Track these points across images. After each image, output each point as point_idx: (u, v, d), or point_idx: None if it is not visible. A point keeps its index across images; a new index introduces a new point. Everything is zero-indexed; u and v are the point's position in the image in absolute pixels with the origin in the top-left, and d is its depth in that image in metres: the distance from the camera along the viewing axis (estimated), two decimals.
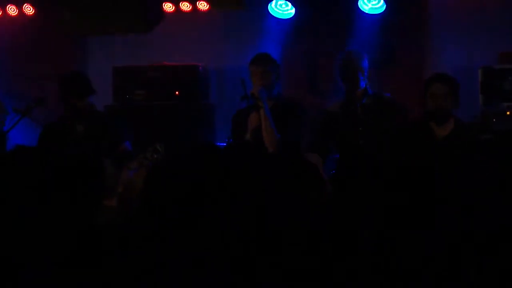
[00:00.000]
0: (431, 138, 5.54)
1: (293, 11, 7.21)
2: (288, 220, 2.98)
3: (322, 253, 2.89)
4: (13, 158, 2.95)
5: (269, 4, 7.22)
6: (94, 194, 2.94)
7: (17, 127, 6.37)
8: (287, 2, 7.21)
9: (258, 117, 5.86)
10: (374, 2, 7.06)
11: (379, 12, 7.08)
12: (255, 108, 5.88)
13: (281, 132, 5.86)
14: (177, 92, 7.28)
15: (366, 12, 7.10)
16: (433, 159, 5.38)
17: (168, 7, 7.47)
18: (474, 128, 6.12)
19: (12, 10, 7.73)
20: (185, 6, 7.48)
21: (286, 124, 5.90)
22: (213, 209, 2.94)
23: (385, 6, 7.03)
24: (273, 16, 7.26)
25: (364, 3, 7.09)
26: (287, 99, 6.18)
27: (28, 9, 7.71)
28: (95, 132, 6.07)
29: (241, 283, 2.79)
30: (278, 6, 7.25)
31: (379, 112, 5.93)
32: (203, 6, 7.44)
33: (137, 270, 2.83)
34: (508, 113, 6.61)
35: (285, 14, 7.24)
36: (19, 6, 7.72)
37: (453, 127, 5.55)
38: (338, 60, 6.09)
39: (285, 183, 3.12)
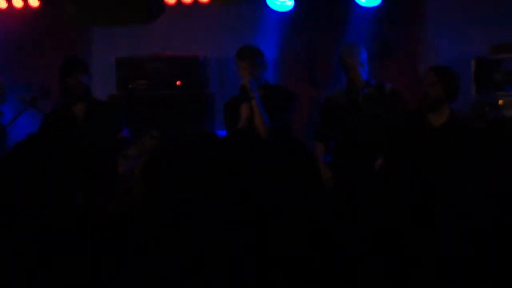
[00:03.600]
0: (425, 127, 5.60)
1: (291, 3, 7.25)
2: (283, 208, 3.00)
3: (317, 242, 2.93)
4: (27, 147, 3.03)
5: None
6: (105, 182, 2.97)
7: (22, 118, 6.48)
8: None
9: (249, 108, 6.00)
10: None
11: (375, 5, 7.15)
12: (246, 99, 6.02)
13: (270, 119, 5.98)
14: (178, 82, 7.35)
15: (362, 5, 7.17)
16: (428, 148, 5.49)
17: None
18: (470, 118, 6.22)
19: (17, 2, 7.78)
20: None
21: (275, 111, 6.02)
22: (212, 199, 2.95)
23: None
24: (272, 8, 7.30)
25: None
26: (274, 86, 6.29)
27: (33, 1, 7.76)
28: (94, 116, 6.09)
29: (240, 276, 2.82)
30: None
31: (381, 102, 6.03)
32: None
33: (137, 262, 2.86)
34: (500, 102, 6.70)
35: (284, 6, 7.29)
36: None
37: (448, 117, 5.59)
38: (337, 52, 6.20)
39: (279, 170, 3.19)
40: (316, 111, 6.47)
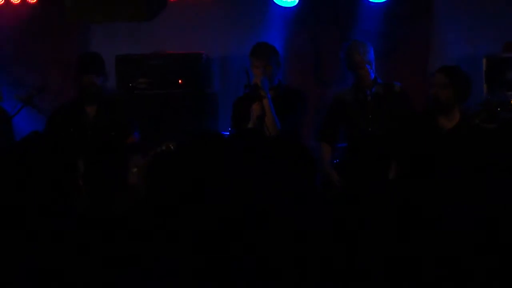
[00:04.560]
0: (435, 129, 5.52)
1: None
2: (281, 209, 2.99)
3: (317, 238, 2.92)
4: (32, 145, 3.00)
5: None
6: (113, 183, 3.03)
7: (20, 115, 6.40)
8: None
9: (261, 107, 5.89)
10: None
11: (383, 0, 7.10)
12: (258, 98, 5.89)
13: (281, 120, 5.90)
14: (180, 81, 7.27)
15: (370, 0, 7.12)
16: (438, 151, 5.42)
17: None
18: (480, 116, 6.12)
19: None
20: None
21: (286, 113, 5.93)
22: (214, 198, 2.98)
23: None
24: (276, 4, 7.26)
25: None
26: (287, 87, 6.21)
27: None
28: (105, 116, 6.05)
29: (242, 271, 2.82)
30: None
31: (389, 101, 5.96)
32: None
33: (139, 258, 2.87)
34: None
35: (289, 2, 7.24)
36: None
37: (458, 120, 5.52)
38: (343, 50, 6.11)
39: (278, 173, 3.14)
40: (322, 110, 6.36)
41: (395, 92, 6.00)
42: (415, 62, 7.19)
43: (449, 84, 5.51)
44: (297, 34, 7.37)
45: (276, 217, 2.96)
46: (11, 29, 7.77)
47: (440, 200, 3.18)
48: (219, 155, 3.10)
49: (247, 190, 3.02)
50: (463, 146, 5.38)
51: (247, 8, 7.42)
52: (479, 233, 2.99)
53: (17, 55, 7.81)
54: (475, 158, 5.05)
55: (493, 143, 5.58)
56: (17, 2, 7.73)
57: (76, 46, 7.66)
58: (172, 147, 5.15)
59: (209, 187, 3.00)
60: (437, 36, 7.30)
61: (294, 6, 7.25)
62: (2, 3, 7.74)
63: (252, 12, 7.39)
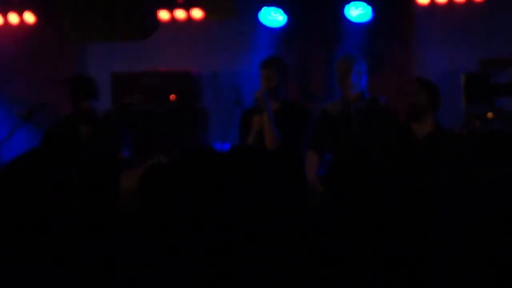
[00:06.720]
0: (411, 138, 5.61)
1: (282, 19, 7.29)
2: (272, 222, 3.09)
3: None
4: (33, 158, 3.10)
5: (259, 14, 7.29)
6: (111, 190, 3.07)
7: (18, 133, 6.51)
8: (278, 9, 7.30)
9: (261, 120, 6.01)
10: (360, 10, 7.21)
11: (366, 20, 7.23)
12: (258, 111, 6.04)
13: (283, 134, 5.98)
14: (172, 97, 7.43)
15: (353, 20, 7.24)
16: (413, 158, 5.53)
17: (164, 15, 7.63)
18: (459, 131, 6.27)
19: (13, 18, 7.83)
20: (180, 15, 7.65)
21: (289, 128, 6.01)
22: (208, 209, 3.06)
23: (372, 14, 7.19)
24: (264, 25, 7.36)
25: (351, 11, 7.22)
26: (292, 102, 6.27)
27: (29, 18, 7.83)
28: (99, 134, 6.13)
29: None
30: (269, 15, 7.32)
31: (373, 116, 5.99)
32: (197, 14, 7.60)
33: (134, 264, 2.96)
34: (489, 115, 6.79)
35: (276, 22, 7.33)
36: (20, 14, 7.83)
37: (432, 127, 5.61)
38: (335, 61, 6.20)
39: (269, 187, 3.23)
40: (312, 122, 6.44)
41: (379, 107, 6.02)
42: (396, 78, 7.26)
43: (424, 91, 5.65)
44: (284, 53, 7.37)
45: (264, 228, 3.03)
46: (10, 49, 7.89)
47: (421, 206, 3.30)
48: (212, 170, 3.18)
49: (237, 203, 3.09)
50: (438, 152, 5.50)
51: (236, 28, 7.52)
52: (458, 240, 3.10)
53: (16, 74, 7.91)
54: (451, 165, 5.17)
55: (470, 153, 5.74)
56: (16, 23, 7.83)
57: (73, 64, 7.79)
58: (163, 160, 5.28)
59: (200, 199, 3.06)
60: (418, 53, 7.42)
61: (281, 27, 7.34)
62: (1, 24, 7.84)
63: (241, 31, 7.51)
